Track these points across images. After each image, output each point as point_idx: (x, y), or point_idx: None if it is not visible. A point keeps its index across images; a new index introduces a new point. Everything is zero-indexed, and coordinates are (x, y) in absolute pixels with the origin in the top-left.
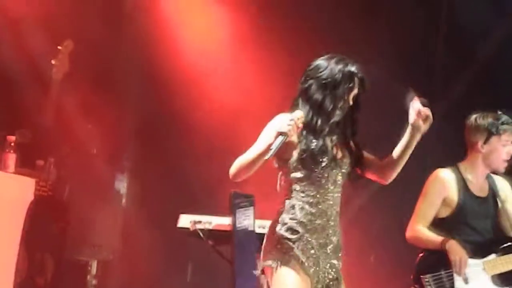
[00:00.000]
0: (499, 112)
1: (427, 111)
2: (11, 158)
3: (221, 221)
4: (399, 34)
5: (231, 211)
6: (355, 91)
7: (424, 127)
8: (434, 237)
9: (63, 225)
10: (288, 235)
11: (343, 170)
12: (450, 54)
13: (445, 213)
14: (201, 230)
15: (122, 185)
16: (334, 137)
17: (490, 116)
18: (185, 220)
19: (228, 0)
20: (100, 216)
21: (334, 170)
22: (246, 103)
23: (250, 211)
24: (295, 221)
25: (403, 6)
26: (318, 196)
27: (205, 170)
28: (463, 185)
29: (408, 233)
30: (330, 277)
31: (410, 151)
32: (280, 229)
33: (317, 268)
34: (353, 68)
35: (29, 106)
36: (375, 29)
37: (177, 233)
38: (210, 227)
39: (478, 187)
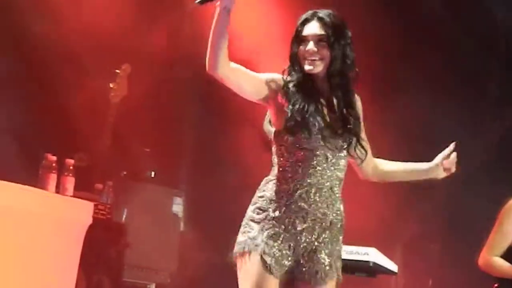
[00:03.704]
0: None
1: (453, 166)
2: (70, 182)
3: None
4: (455, 57)
5: None
6: (304, 49)
7: (442, 176)
8: (508, 267)
9: (121, 248)
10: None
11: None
12: (506, 78)
13: None
14: None
15: (179, 208)
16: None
17: None
18: None
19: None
20: (158, 239)
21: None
22: None
23: None
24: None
25: (460, 29)
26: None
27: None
28: None
29: (481, 261)
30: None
31: (410, 179)
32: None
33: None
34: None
35: (87, 130)
36: (431, 53)
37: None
38: None
39: None
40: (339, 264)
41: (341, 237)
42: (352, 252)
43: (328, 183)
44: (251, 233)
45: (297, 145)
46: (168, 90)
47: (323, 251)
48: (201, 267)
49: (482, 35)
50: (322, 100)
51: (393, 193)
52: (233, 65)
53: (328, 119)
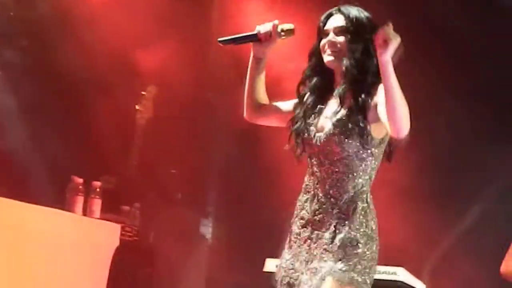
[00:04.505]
0: None
1: (384, 34)
2: (97, 204)
3: None
4: (484, 77)
5: None
6: (324, 41)
7: (382, 51)
8: None
9: (149, 270)
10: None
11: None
12: None
13: None
14: None
15: (207, 230)
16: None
17: None
18: (271, 265)
19: None
20: (185, 261)
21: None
22: None
23: None
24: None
25: (486, 48)
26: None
27: (291, 213)
28: None
29: (502, 268)
30: None
31: (388, 83)
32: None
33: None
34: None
35: (114, 152)
36: (463, 74)
37: (263, 278)
38: None
39: None
40: (343, 275)
41: (350, 245)
42: (380, 272)
43: (324, 188)
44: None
45: (304, 152)
46: (195, 111)
47: (317, 261)
48: None
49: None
50: (334, 99)
51: (423, 210)
52: (266, 106)
53: (326, 121)
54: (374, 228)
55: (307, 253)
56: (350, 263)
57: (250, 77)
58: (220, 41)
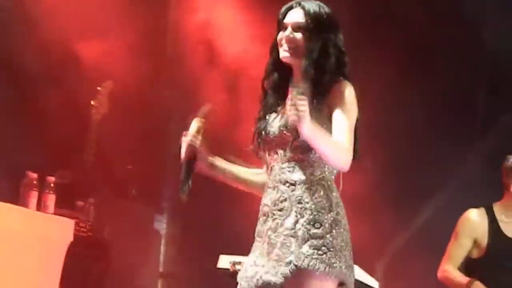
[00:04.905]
0: None
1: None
2: (51, 199)
3: None
4: (442, 77)
5: None
6: (282, 35)
7: (292, 117)
8: (461, 278)
9: (103, 265)
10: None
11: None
12: (491, 98)
13: (476, 254)
14: None
15: (161, 226)
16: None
17: None
18: (224, 261)
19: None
20: (140, 257)
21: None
22: None
23: None
24: None
25: (446, 50)
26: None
27: (245, 209)
28: (495, 226)
29: (439, 273)
30: None
31: (316, 147)
32: None
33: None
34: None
35: (69, 147)
36: (418, 72)
37: (216, 274)
38: None
39: None
40: (308, 258)
41: (314, 228)
42: None
43: (283, 178)
44: None
45: (264, 152)
46: (151, 107)
47: (279, 249)
48: (183, 284)
49: (467, 55)
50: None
51: (378, 209)
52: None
53: (279, 120)
54: (341, 213)
55: (268, 243)
56: (315, 244)
57: (232, 181)
58: (183, 195)
